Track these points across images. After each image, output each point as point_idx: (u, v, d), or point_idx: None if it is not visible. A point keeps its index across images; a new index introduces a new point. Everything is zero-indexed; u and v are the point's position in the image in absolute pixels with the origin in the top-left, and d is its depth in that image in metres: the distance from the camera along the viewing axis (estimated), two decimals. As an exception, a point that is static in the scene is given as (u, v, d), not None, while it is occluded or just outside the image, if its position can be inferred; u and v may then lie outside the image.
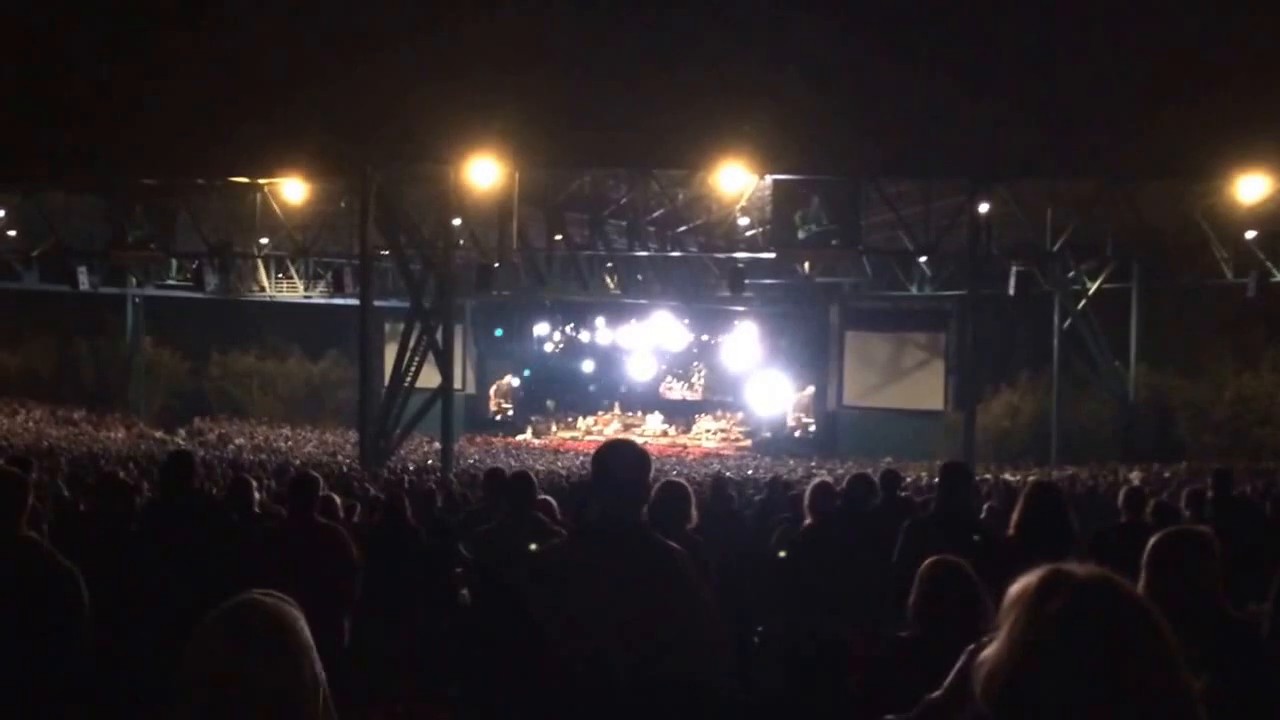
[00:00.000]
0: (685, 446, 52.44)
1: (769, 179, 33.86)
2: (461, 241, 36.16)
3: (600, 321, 57.37)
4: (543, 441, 54.25)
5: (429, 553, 9.64)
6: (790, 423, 53.82)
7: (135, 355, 52.44)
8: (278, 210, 37.74)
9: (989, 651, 2.41)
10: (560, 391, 60.42)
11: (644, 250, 41.43)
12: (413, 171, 34.29)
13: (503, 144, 31.51)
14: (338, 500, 10.65)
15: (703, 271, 46.40)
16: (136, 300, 50.58)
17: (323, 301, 46.09)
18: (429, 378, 34.77)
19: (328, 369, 56.96)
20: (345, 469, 28.13)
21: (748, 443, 53.73)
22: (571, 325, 59.05)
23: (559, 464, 36.33)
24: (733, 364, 57.21)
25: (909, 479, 24.37)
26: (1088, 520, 11.29)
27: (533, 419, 58.11)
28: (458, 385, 39.33)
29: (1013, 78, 36.76)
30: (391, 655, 8.89)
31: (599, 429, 54.84)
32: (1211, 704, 2.33)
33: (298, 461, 30.79)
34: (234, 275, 43.77)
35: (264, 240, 40.84)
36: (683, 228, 42.82)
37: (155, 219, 37.95)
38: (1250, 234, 34.57)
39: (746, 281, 37.63)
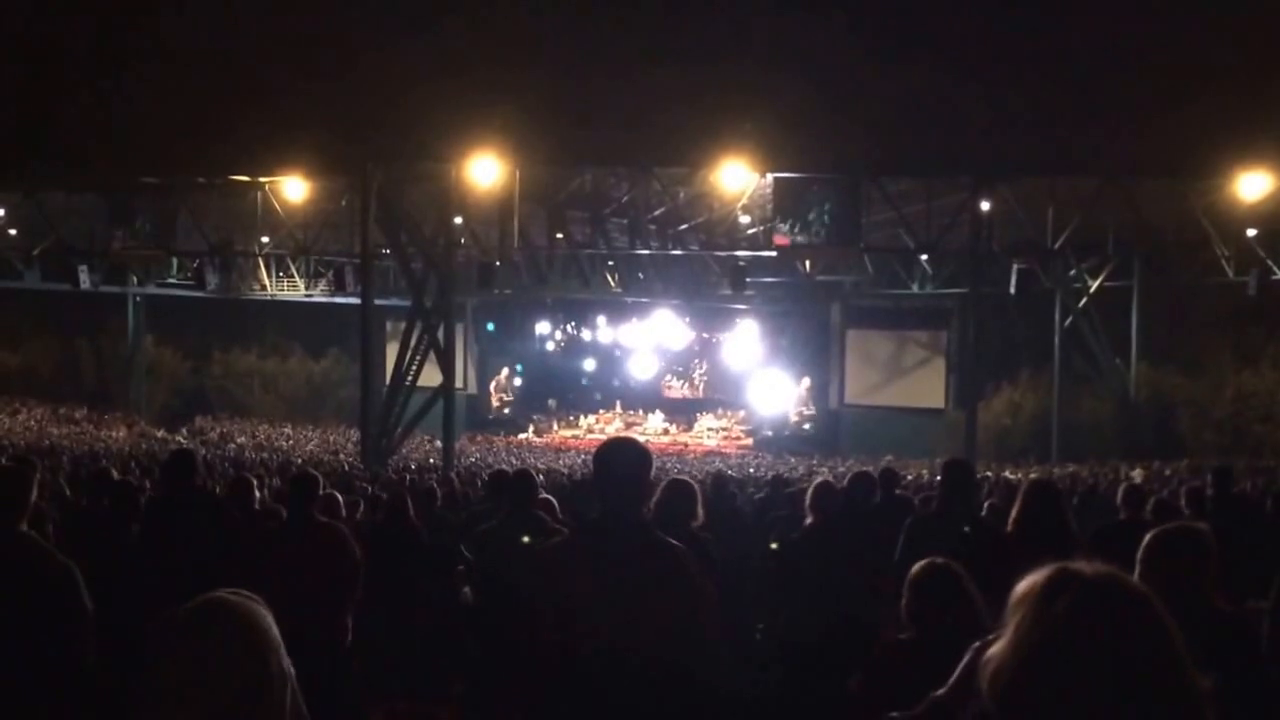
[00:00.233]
0: (686, 445, 52.45)
1: (770, 177, 33.86)
2: (463, 240, 36.16)
3: (601, 320, 57.39)
4: (544, 440, 54.24)
5: (431, 551, 9.65)
6: (794, 418, 53.79)
7: (136, 354, 52.47)
8: (278, 209, 37.74)
9: (994, 649, 2.41)
10: (562, 390, 60.45)
11: (645, 248, 41.43)
12: (414, 170, 34.27)
13: (504, 142, 31.49)
14: (340, 498, 10.65)
15: (704, 270, 46.40)
16: (137, 299, 50.63)
17: (324, 300, 46.10)
18: (430, 376, 34.76)
19: (329, 368, 56.99)
20: (347, 467, 28.16)
21: (749, 441, 53.73)
22: (573, 324, 59.09)
23: (560, 462, 36.32)
24: (734, 362, 57.23)
25: (910, 477, 24.41)
26: (1088, 518, 11.31)
27: (534, 418, 58.12)
28: (459, 384, 39.35)
29: (1014, 76, 36.69)
30: (393, 653, 8.90)
31: (600, 427, 54.82)
32: (1219, 703, 2.33)
33: (299, 460, 30.78)
34: (235, 274, 43.80)
35: (265, 239, 40.87)
36: (684, 226, 42.80)
37: (156, 218, 37.98)
38: (1251, 232, 34.56)
39: (748, 280, 37.67)
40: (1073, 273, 41.87)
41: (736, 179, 33.45)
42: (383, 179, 33.46)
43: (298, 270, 45.29)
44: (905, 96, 36.77)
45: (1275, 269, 34.63)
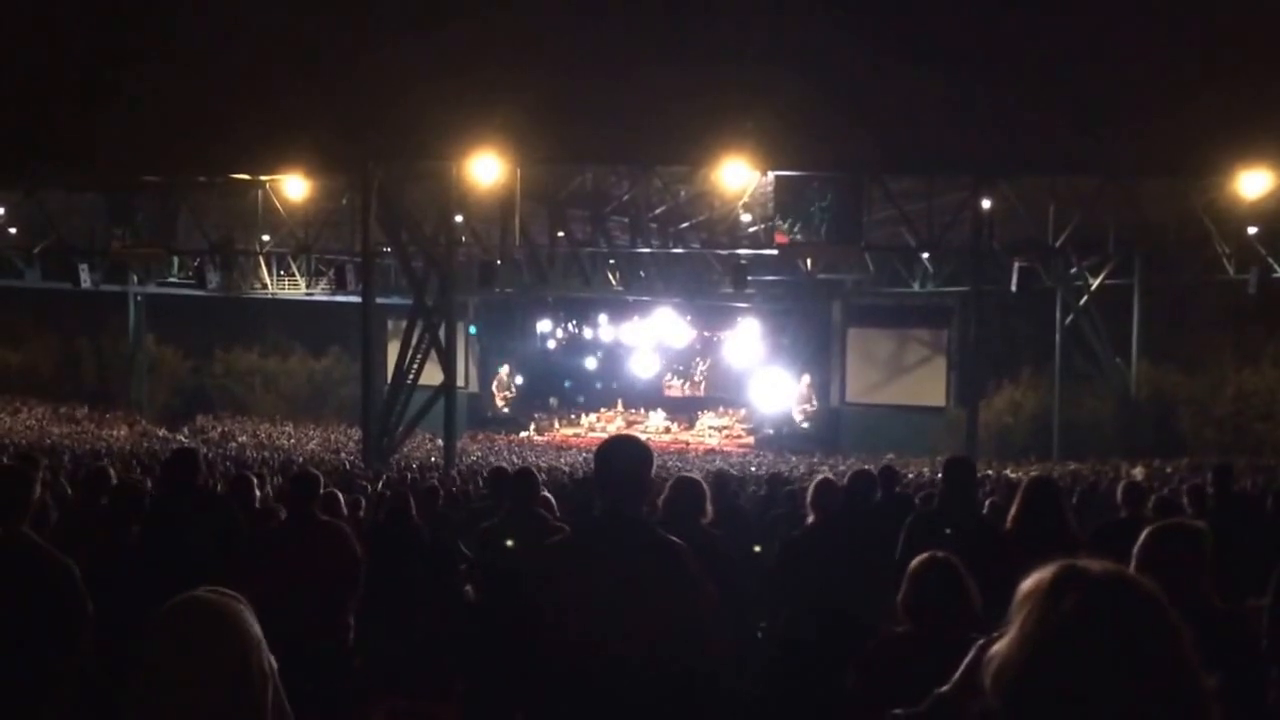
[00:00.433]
0: (688, 443, 52.44)
1: (771, 175, 33.86)
2: (464, 238, 36.17)
3: (603, 318, 57.30)
4: (545, 438, 54.24)
5: (432, 550, 9.65)
6: (798, 416, 53.74)
7: (137, 353, 52.47)
8: (279, 207, 37.74)
9: (999, 646, 2.41)
10: (563, 388, 60.43)
11: (646, 247, 41.41)
12: (414, 168, 34.27)
13: (504, 140, 31.50)
14: (340, 497, 10.65)
15: (705, 268, 46.35)
16: (138, 298, 50.62)
17: (325, 299, 46.08)
18: (431, 375, 34.78)
19: (330, 366, 56.99)
20: (348, 466, 28.15)
21: (750, 439, 53.70)
22: (574, 322, 58.98)
23: (562, 460, 36.30)
24: (735, 361, 57.20)
25: (911, 475, 24.39)
26: (1089, 515, 11.31)
27: (535, 416, 58.13)
28: (460, 383, 39.36)
29: (1015, 74, 36.69)
30: (395, 652, 8.91)
31: (602, 426, 54.76)
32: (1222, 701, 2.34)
33: (300, 459, 30.78)
34: (236, 273, 43.79)
35: (266, 237, 40.88)
36: (685, 224, 42.81)
37: (157, 216, 37.99)
38: (1252, 230, 34.59)
39: (749, 278, 37.67)
40: (1074, 271, 41.84)
41: (738, 177, 33.45)
42: (384, 177, 33.47)
43: (299, 269, 45.27)
44: (906, 95, 36.78)
45: (1276, 267, 34.62)
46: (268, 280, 45.68)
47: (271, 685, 2.68)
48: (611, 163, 36.71)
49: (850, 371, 51.66)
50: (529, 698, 4.41)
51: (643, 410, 57.46)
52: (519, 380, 59.59)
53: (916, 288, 45.27)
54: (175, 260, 43.55)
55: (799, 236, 34.76)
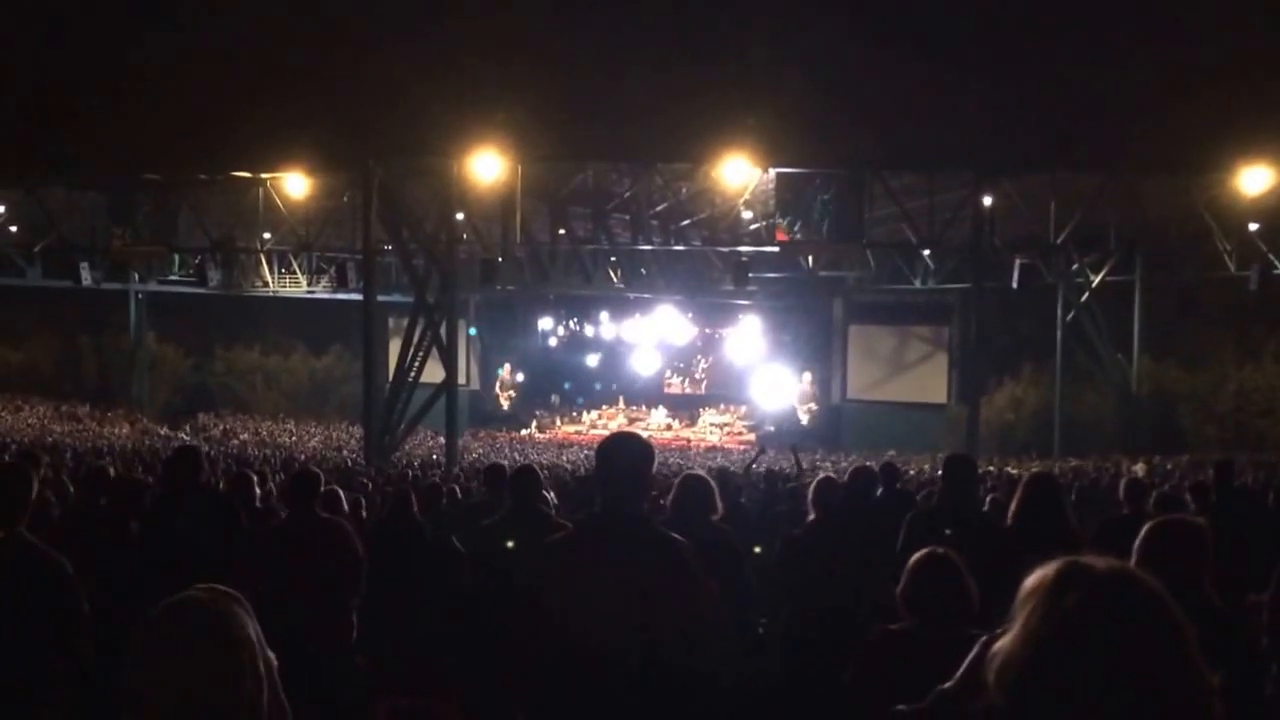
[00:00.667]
0: (689, 440, 52.41)
1: (772, 172, 33.87)
2: (465, 236, 36.16)
3: (604, 316, 57.31)
4: (547, 436, 54.24)
5: (434, 547, 9.65)
6: (804, 414, 53.68)
7: (138, 351, 52.45)
8: (280, 205, 37.75)
9: (1003, 643, 2.40)
10: (564, 386, 60.41)
11: (647, 244, 41.34)
12: (415, 166, 34.29)
13: (505, 138, 31.51)
14: (341, 494, 10.64)
15: (706, 265, 46.33)
16: (139, 296, 50.59)
17: (326, 296, 46.08)
18: (433, 373, 34.80)
19: (331, 364, 56.99)
20: (350, 464, 28.17)
21: (751, 436, 53.66)
22: (575, 320, 59.00)
23: (563, 458, 36.29)
24: (736, 358, 57.19)
25: (912, 472, 24.39)
26: (1090, 512, 11.31)
27: (537, 413, 58.10)
28: (461, 380, 39.36)
29: (1016, 71, 36.70)
30: (397, 650, 8.90)
31: (603, 423, 54.69)
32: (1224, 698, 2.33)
33: (302, 457, 30.79)
34: (237, 270, 43.82)
35: (267, 235, 40.88)
36: (686, 221, 42.78)
37: (158, 214, 38.01)
38: (1253, 226, 34.57)
39: (750, 275, 37.65)
40: (1075, 267, 41.81)
41: (739, 174, 33.47)
42: (385, 175, 33.49)
43: (300, 266, 45.27)
44: (908, 92, 36.81)
45: (1277, 264, 34.59)
46: (269, 278, 45.68)
47: (268, 685, 2.67)
48: (613, 160, 36.73)
49: (851, 368, 51.66)
50: (530, 695, 4.41)
51: (644, 407, 57.39)
52: (520, 378, 59.54)
53: (918, 284, 45.24)
54: (176, 258, 43.52)
55: (799, 234, 34.78)
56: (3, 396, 48.92)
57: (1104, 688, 2.19)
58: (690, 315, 55.99)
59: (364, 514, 11.33)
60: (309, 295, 46.74)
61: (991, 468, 28.61)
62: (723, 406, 57.55)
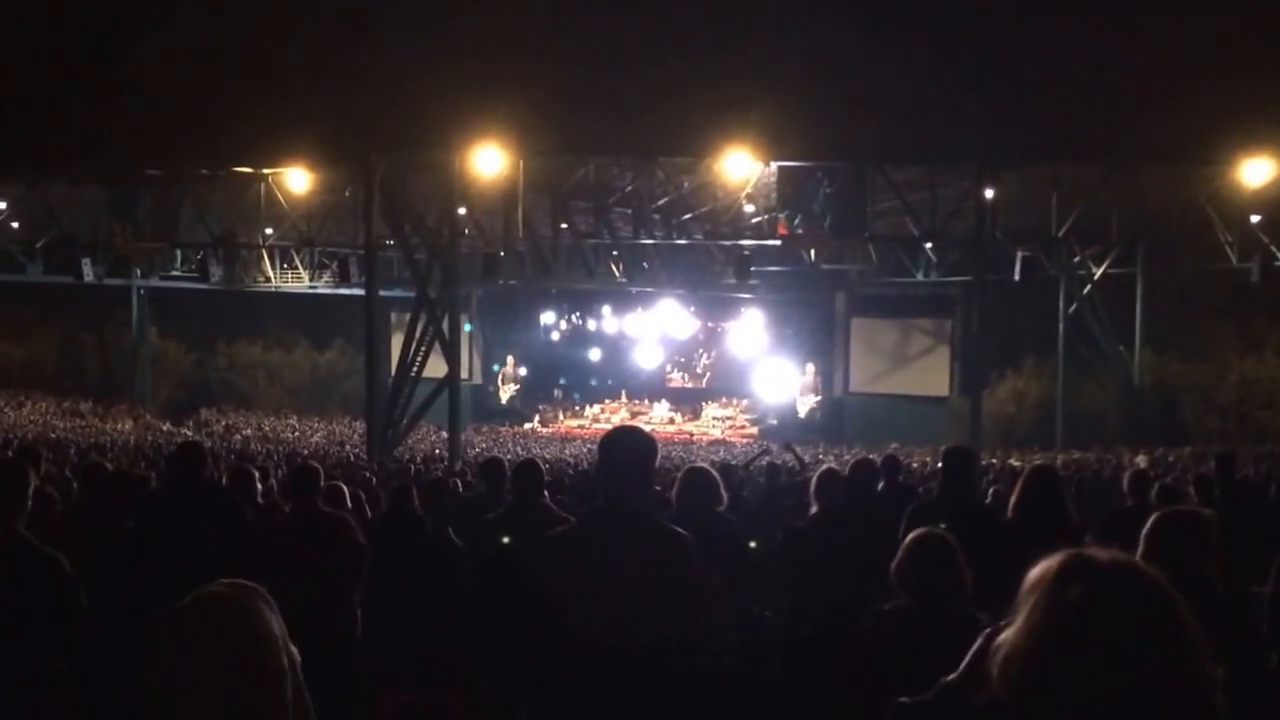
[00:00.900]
0: (692, 434, 52.39)
1: (774, 166, 33.86)
2: (466, 230, 36.18)
3: (606, 310, 57.31)
4: (550, 430, 54.23)
5: (436, 540, 9.64)
6: (810, 405, 53.67)
7: (141, 347, 52.40)
8: (282, 200, 37.79)
9: (1007, 635, 2.41)
10: (567, 380, 60.41)
11: (650, 238, 41.37)
12: (417, 160, 34.29)
13: (507, 132, 31.50)
14: (344, 489, 10.65)
15: (708, 259, 46.31)
16: (141, 291, 50.54)
17: (328, 291, 46.11)
18: (435, 367, 34.80)
19: (334, 359, 56.91)
20: (352, 459, 28.17)
21: (754, 430, 53.65)
22: (578, 314, 59.03)
23: (566, 452, 36.30)
24: (739, 351, 57.18)
25: (914, 465, 24.40)
26: (1093, 504, 11.31)
27: (540, 408, 58.08)
28: (464, 374, 39.36)
29: (1017, 63, 36.68)
30: (401, 643, 8.91)
31: (606, 417, 54.68)
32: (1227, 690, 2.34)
33: (305, 452, 30.80)
34: (239, 266, 43.87)
35: (268, 230, 40.85)
36: (688, 215, 42.83)
37: (159, 210, 38.01)
38: (1255, 218, 34.60)
39: (752, 269, 37.65)
40: (1077, 260, 41.84)
41: (741, 168, 33.44)
42: (386, 169, 33.50)
43: (302, 262, 45.29)
44: (909, 85, 36.77)
45: (1278, 255, 34.60)
46: (271, 273, 45.70)
47: (292, 680, 2.68)
48: (614, 154, 36.74)
49: (854, 361, 51.67)
50: (534, 689, 4.42)
51: (647, 401, 57.36)
52: (522, 372, 59.52)
53: (920, 277, 45.17)
54: (178, 254, 43.56)
55: (800, 229, 34.82)
56: (5, 392, 48.93)
57: (1107, 679, 2.20)
58: (692, 309, 55.97)
59: (366, 508, 11.32)
60: (311, 290, 46.75)
61: (994, 460, 28.65)
62: (725, 400, 57.53)
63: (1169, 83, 33.50)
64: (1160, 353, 44.26)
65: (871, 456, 10.92)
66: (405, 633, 8.79)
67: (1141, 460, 27.75)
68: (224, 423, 48.54)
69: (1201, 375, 43.20)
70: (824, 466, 9.52)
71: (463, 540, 8.81)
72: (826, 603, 7.36)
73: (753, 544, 9.27)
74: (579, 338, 59.81)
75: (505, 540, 7.54)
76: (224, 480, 10.34)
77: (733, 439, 51.21)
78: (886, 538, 7.40)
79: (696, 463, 8.60)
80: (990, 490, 11.98)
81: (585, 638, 4.18)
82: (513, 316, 58.42)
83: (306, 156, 35.01)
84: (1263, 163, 31.06)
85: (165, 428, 45.87)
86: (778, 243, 36.38)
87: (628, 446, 4.55)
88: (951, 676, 3.38)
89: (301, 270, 45.68)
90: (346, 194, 37.85)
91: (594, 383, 60.14)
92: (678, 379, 60.17)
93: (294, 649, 2.72)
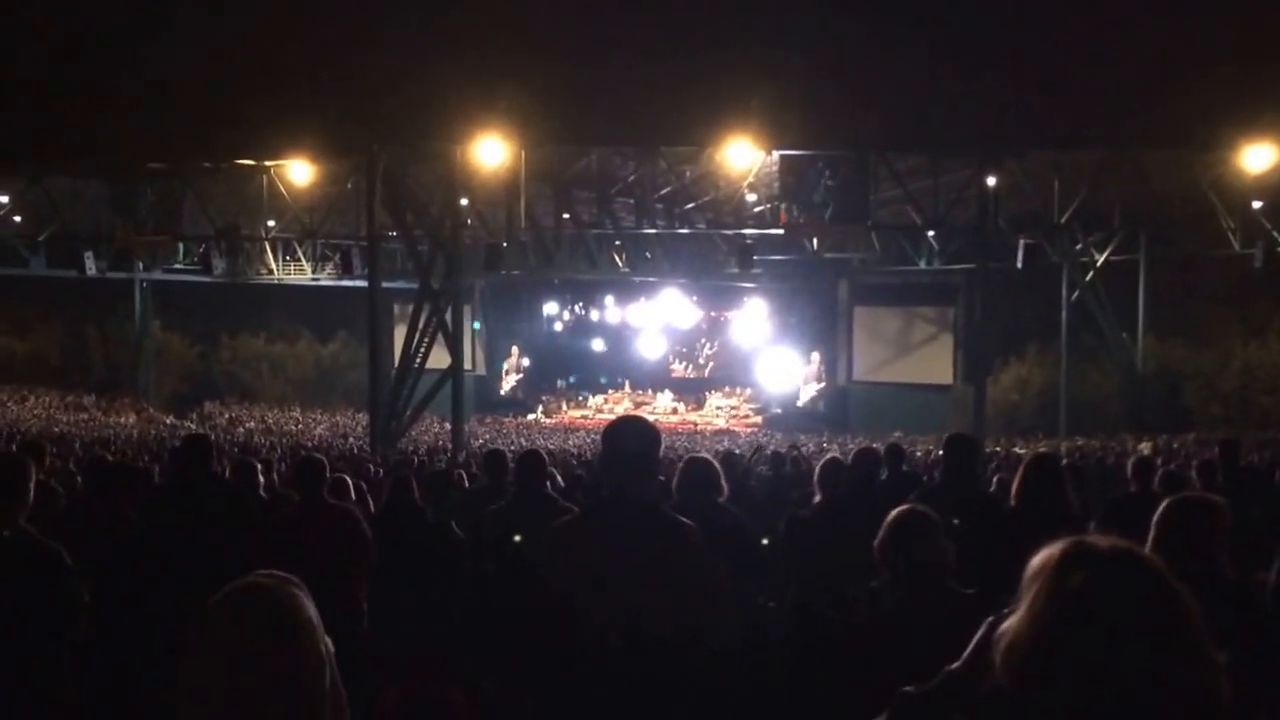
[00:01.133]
0: (696, 424, 52.37)
1: (776, 155, 33.86)
2: (469, 221, 36.17)
3: (609, 300, 57.34)
4: (553, 420, 54.20)
5: (438, 531, 9.64)
6: (812, 395, 53.70)
7: (144, 340, 52.44)
8: (284, 192, 37.78)
9: (1009, 623, 2.41)
10: (571, 370, 60.40)
11: (652, 228, 41.29)
12: (419, 151, 34.28)
13: (509, 123, 31.49)
14: (349, 481, 10.65)
15: (711, 248, 46.28)
16: (144, 285, 50.57)
17: (331, 283, 46.10)
18: (439, 359, 34.80)
19: (337, 351, 56.93)
20: (356, 451, 28.18)
21: (758, 419, 53.66)
22: (580, 304, 59.03)
23: (570, 443, 36.29)
24: (742, 340, 57.17)
25: (919, 453, 24.40)
26: (1097, 491, 11.31)
27: (543, 398, 58.08)
28: (467, 366, 39.37)
29: (1019, 50, 36.67)
30: (406, 634, 8.91)
31: (610, 407, 54.65)
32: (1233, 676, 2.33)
33: (309, 444, 30.80)
34: (241, 258, 43.81)
35: (271, 223, 40.88)
36: (691, 205, 42.79)
37: (162, 203, 38.02)
38: (1257, 204, 34.56)
39: (755, 258, 37.67)
40: (1079, 246, 41.84)
41: (743, 157, 33.42)
42: (388, 161, 33.48)
43: (304, 254, 45.26)
44: (911, 73, 36.76)
45: (1281, 241, 34.63)
46: (273, 265, 45.68)
47: (329, 670, 2.69)
48: (616, 144, 36.71)
49: (857, 350, 51.64)
50: (540, 680, 4.42)
51: (650, 391, 57.36)
52: (525, 362, 59.52)
53: (923, 265, 45.15)
54: (181, 247, 43.55)
55: (800, 219, 34.82)
56: (9, 387, 49.00)
57: (1109, 667, 2.20)
58: (695, 298, 56.03)
59: (368, 500, 11.32)
60: (314, 282, 46.73)
61: (998, 448, 28.64)
62: (728, 390, 57.51)
63: (1170, 69, 33.49)
64: (1163, 339, 44.28)
65: (875, 445, 10.89)
66: (407, 625, 8.79)
67: (1145, 447, 27.77)
68: (227, 415, 48.54)
69: (1205, 361, 43.22)
70: (827, 455, 9.53)
71: (467, 534, 8.81)
72: (830, 593, 7.37)
73: (765, 541, 9.28)
74: (582, 328, 59.82)
75: (516, 539, 7.53)
76: (227, 473, 10.33)
77: (737, 428, 51.21)
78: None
79: (698, 453, 8.60)
80: (995, 479, 11.99)
81: (590, 628, 4.18)
82: (515, 307, 58.43)
83: (309, 148, 35.00)
84: (1264, 148, 31.00)
85: (169, 421, 45.90)
86: (780, 232, 36.35)
87: (631, 436, 4.55)
88: (955, 665, 3.39)
89: (304, 262, 45.67)
90: (349, 186, 37.82)
91: (598, 374, 60.12)
92: (680, 369, 60.15)
93: (328, 640, 2.72)
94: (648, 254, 47.08)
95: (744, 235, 37.86)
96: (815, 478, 8.78)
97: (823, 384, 53.41)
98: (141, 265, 46.58)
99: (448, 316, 34.13)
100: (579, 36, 38.16)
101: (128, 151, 35.85)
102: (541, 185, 38.27)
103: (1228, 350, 42.75)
